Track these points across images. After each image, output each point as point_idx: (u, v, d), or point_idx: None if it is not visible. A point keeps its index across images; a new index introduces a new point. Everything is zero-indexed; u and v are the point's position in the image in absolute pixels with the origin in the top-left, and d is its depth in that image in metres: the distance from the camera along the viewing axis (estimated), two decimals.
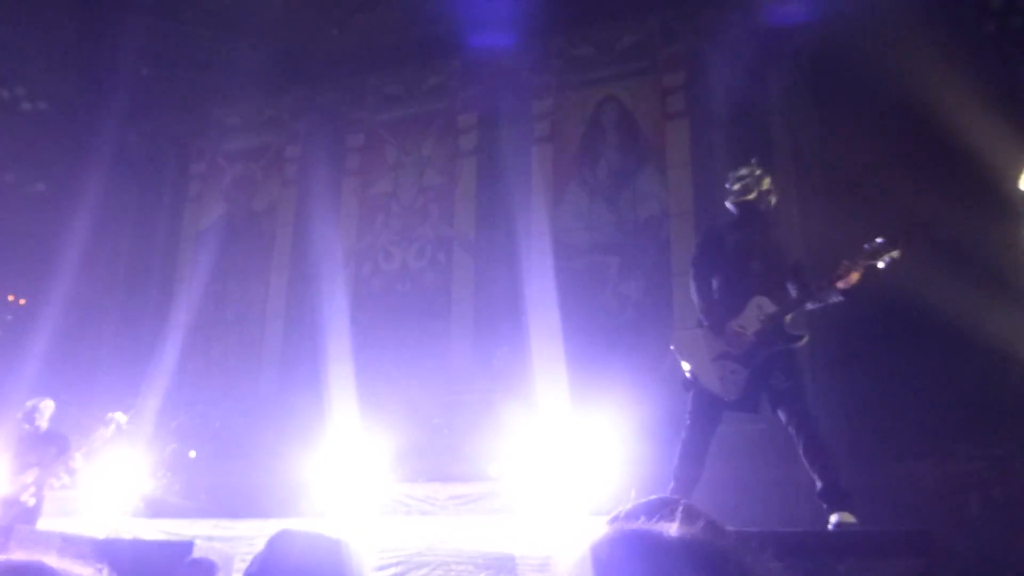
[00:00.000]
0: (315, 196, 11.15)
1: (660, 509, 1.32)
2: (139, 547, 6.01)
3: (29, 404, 7.46)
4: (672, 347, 4.91)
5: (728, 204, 5.05)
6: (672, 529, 1.06)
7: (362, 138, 11.53)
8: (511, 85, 10.64)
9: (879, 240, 4.41)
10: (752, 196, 4.87)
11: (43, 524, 6.91)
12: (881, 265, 4.39)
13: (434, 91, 11.20)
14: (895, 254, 4.37)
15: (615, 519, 1.30)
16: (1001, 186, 6.89)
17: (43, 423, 7.40)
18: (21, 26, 11.14)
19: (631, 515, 1.35)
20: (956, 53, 7.55)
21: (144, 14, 11.38)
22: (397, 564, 7.08)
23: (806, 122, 9.11)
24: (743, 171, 4.95)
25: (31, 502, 6.92)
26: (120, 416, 7.47)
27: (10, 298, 12.24)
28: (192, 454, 9.38)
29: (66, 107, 12.14)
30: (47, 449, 7.19)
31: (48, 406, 7.48)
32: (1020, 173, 6.56)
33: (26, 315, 11.47)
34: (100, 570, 1.37)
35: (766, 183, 4.96)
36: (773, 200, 5.02)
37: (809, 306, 4.69)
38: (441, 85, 11.17)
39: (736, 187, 4.90)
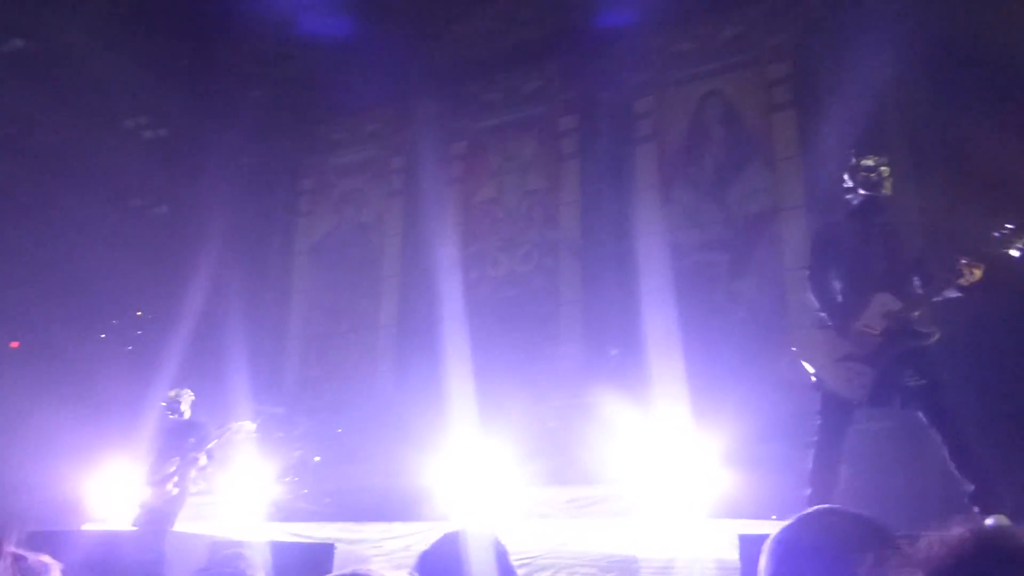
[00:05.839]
0: (421, 205, 11.39)
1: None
2: (287, 549, 6.27)
3: (172, 394, 7.85)
4: (794, 348, 4.79)
5: (851, 197, 4.85)
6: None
7: (464, 146, 11.70)
8: (611, 85, 10.61)
9: (1008, 226, 4.22)
10: (886, 190, 4.69)
11: (181, 526, 7.28)
12: (1015, 253, 4.19)
13: (533, 95, 11.29)
14: None
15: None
16: None
17: (186, 411, 7.76)
18: (140, 58, 11.75)
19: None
20: None
21: (252, 40, 11.86)
22: (520, 567, 7.12)
23: (922, 108, 8.74)
24: (869, 162, 4.73)
25: (174, 491, 7.29)
26: (248, 424, 7.84)
27: (139, 314, 12.93)
28: (316, 459, 9.71)
29: (184, 132, 12.76)
30: (186, 439, 7.54)
31: (188, 395, 7.85)
32: None
33: (155, 330, 12.08)
34: None
35: (888, 174, 4.78)
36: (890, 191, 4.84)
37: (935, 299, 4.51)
38: (540, 89, 11.25)
39: (869, 178, 4.70)
